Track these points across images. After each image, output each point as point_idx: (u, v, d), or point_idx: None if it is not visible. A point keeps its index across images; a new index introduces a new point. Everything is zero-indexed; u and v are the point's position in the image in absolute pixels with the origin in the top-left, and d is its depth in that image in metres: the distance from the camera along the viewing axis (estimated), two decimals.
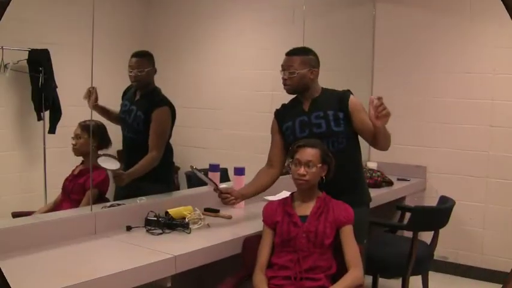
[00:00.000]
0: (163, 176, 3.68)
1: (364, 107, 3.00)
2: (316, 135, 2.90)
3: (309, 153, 2.67)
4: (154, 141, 3.50)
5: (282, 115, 3.09)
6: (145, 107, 3.53)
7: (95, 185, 3.28)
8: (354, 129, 2.99)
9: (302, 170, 2.65)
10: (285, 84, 2.99)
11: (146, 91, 3.61)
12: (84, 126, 3.42)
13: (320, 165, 2.68)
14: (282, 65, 2.99)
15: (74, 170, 3.50)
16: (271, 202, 2.85)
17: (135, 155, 3.62)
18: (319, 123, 2.95)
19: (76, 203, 3.33)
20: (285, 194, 3.27)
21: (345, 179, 2.91)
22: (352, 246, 2.64)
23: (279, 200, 2.83)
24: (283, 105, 3.15)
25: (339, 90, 3.10)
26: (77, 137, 3.43)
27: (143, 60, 3.57)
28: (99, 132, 3.46)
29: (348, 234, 2.65)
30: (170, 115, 3.56)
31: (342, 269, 2.64)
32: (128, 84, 3.67)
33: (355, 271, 2.59)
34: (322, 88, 3.07)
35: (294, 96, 3.09)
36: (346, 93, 3.03)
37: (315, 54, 3.03)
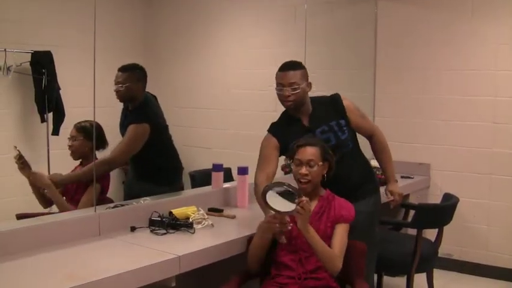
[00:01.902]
0: (169, 180, 3.69)
1: (356, 104, 3.10)
2: None
3: (310, 152, 2.66)
4: (116, 148, 3.45)
5: (281, 133, 2.99)
6: (129, 121, 3.50)
7: (96, 180, 3.27)
8: (353, 129, 3.06)
9: (304, 170, 2.65)
10: (287, 101, 2.91)
11: (134, 105, 3.57)
12: (79, 128, 3.42)
13: (321, 163, 2.67)
14: (281, 82, 2.91)
15: (73, 171, 3.50)
16: None
17: (135, 166, 3.63)
18: (328, 137, 2.96)
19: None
20: None
21: (358, 174, 3.04)
22: (342, 241, 2.61)
23: None
24: (276, 124, 3.06)
25: (326, 97, 3.10)
26: (72, 138, 3.43)
27: (124, 74, 3.50)
28: (96, 134, 3.43)
29: (342, 230, 2.63)
30: (147, 132, 3.45)
31: (346, 267, 2.64)
32: None
33: (336, 255, 2.57)
34: (310, 99, 3.03)
35: (283, 111, 3.06)
36: (338, 99, 3.04)
37: (305, 67, 3.01)
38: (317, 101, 3.05)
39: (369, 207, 3.01)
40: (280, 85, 2.92)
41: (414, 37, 4.83)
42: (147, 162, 3.55)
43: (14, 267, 2.28)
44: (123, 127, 3.57)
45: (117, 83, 3.49)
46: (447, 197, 3.81)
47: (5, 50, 3.99)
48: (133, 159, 3.67)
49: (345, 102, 3.03)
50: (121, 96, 3.52)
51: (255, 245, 2.65)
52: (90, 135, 3.34)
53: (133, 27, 5.15)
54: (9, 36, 4.05)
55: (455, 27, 4.64)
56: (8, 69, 4.09)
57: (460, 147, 4.67)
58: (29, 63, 4.20)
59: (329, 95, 3.10)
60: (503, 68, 4.45)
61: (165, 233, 2.79)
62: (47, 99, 4.21)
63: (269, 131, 3.04)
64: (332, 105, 3.03)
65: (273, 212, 2.52)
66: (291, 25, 4.74)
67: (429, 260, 3.62)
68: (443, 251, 4.38)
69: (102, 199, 3.33)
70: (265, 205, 2.52)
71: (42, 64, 4.21)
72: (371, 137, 3.15)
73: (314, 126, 2.97)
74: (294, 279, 2.60)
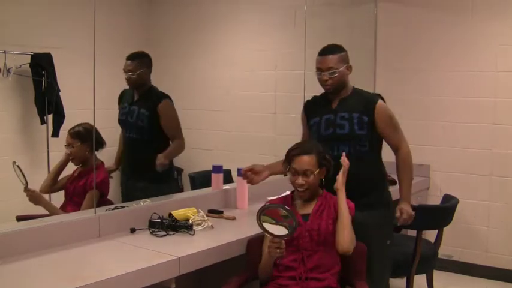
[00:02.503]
0: (165, 176, 3.70)
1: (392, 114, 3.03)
2: (338, 136, 2.92)
3: (305, 161, 2.66)
4: (173, 132, 3.68)
5: (310, 109, 3.12)
6: (148, 104, 3.63)
7: (96, 186, 3.26)
8: (378, 134, 2.99)
9: (300, 180, 2.65)
10: (326, 84, 2.98)
11: (143, 91, 3.71)
12: (73, 134, 3.43)
13: (317, 170, 2.67)
14: (320, 67, 2.97)
15: (73, 172, 3.50)
16: (271, 200, 2.84)
17: (138, 155, 3.64)
18: (343, 124, 2.95)
19: (78, 206, 3.33)
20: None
21: (365, 178, 2.94)
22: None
23: (279, 198, 2.83)
24: (314, 98, 3.17)
25: (369, 93, 3.13)
26: (69, 146, 3.44)
27: (135, 62, 3.64)
28: (91, 136, 3.34)
29: None
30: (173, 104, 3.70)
31: (347, 268, 2.64)
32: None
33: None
34: (353, 88, 3.06)
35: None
36: (375, 98, 3.03)
37: (345, 50, 3.04)
38: (357, 91, 3.07)
39: (376, 219, 2.93)
40: (319, 69, 2.99)
41: (414, 39, 4.83)
42: (144, 156, 3.60)
43: (15, 269, 2.29)
44: (131, 113, 3.68)
45: (128, 71, 3.64)
46: (447, 198, 3.82)
47: (4, 51, 3.99)
48: (132, 155, 3.73)
49: (378, 104, 2.97)
50: (132, 83, 3.68)
51: (267, 267, 2.63)
52: (85, 139, 3.38)
53: (133, 30, 5.15)
54: (9, 38, 4.05)
55: (455, 29, 4.64)
56: (8, 71, 4.09)
57: (460, 149, 4.67)
58: (28, 65, 4.20)
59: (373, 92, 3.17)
60: (503, 69, 4.45)
61: (165, 235, 2.79)
62: (47, 101, 4.21)
63: (304, 103, 3.18)
64: (365, 100, 3.00)
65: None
66: (291, 27, 4.74)
67: (429, 261, 3.63)
68: (443, 252, 4.39)
69: (102, 201, 3.33)
70: (260, 227, 2.46)
71: (42, 66, 4.21)
72: (397, 151, 3.03)
73: (338, 110, 3.00)
74: (295, 280, 2.60)
